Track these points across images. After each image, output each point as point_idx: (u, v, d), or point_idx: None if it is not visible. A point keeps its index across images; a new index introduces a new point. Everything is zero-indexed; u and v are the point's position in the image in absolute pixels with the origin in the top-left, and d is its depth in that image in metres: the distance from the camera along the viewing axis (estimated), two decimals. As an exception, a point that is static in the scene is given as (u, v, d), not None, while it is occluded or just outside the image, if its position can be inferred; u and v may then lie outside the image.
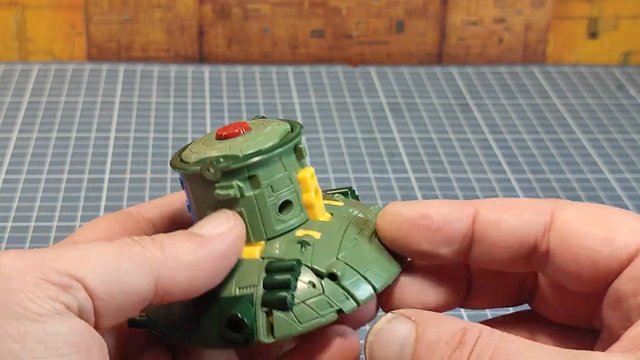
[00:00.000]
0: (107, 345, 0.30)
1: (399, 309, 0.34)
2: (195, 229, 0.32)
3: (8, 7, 0.89)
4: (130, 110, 0.82)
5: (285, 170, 0.33)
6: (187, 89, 0.86)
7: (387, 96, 0.87)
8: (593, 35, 0.95)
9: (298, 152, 0.34)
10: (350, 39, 0.93)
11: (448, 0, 0.92)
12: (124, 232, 0.35)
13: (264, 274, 0.32)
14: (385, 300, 0.34)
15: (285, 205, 0.34)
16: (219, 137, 0.34)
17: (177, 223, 0.37)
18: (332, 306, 0.31)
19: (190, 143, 0.36)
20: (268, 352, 0.35)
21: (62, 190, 0.69)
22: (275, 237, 0.33)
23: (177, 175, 0.36)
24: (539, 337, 0.35)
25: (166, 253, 0.30)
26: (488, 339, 0.28)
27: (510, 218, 0.32)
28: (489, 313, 0.54)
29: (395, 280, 0.33)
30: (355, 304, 0.32)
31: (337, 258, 0.32)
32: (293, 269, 0.31)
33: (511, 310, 0.37)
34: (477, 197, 0.71)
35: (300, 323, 0.31)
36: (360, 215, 0.35)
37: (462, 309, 0.53)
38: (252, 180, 0.33)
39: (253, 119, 0.37)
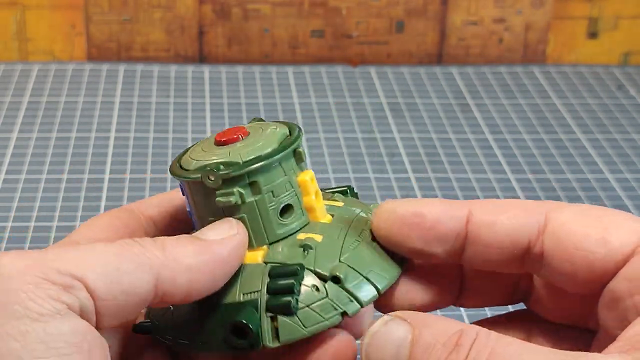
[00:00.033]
0: (109, 346, 0.30)
1: (389, 307, 0.34)
2: (198, 234, 0.32)
3: (8, 7, 0.89)
4: (130, 110, 0.82)
5: (285, 175, 0.33)
6: (187, 89, 0.86)
7: (387, 96, 0.87)
8: (593, 35, 0.95)
9: (297, 156, 0.34)
10: (350, 39, 0.93)
11: (448, 0, 0.92)
12: (125, 229, 0.35)
13: (267, 279, 0.32)
14: (377, 303, 0.34)
15: (286, 209, 0.34)
16: (218, 143, 0.34)
17: (178, 220, 0.37)
18: (336, 309, 0.31)
19: (189, 148, 0.36)
20: (264, 354, 0.35)
21: (62, 190, 0.70)
22: (277, 242, 0.33)
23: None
24: (535, 336, 0.35)
25: (167, 254, 0.30)
26: (484, 341, 0.28)
27: (504, 219, 0.32)
28: (489, 312, 0.54)
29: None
30: (359, 305, 0.32)
31: (339, 261, 0.32)
32: (296, 274, 0.31)
33: (511, 308, 0.37)
34: (477, 197, 0.71)
35: (305, 327, 0.31)
36: (362, 214, 0.35)
37: (462, 308, 0.53)
38: (253, 186, 0.33)
39: (250, 122, 0.37)
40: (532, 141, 0.80)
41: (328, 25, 0.92)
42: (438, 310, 0.36)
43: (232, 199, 0.32)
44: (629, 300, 0.30)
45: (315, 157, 0.75)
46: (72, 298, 0.28)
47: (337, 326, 0.32)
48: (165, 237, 0.31)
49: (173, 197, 0.37)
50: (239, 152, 0.33)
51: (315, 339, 0.32)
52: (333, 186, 0.39)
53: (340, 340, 0.32)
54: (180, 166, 0.34)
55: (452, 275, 0.35)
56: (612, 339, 0.29)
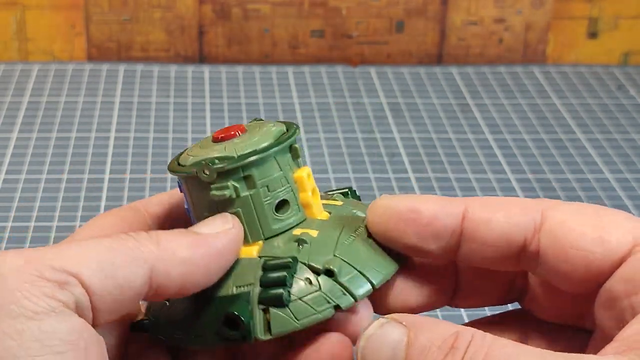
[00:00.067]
0: (107, 344, 0.30)
1: (383, 307, 0.34)
2: (193, 228, 0.32)
3: (8, 7, 0.89)
4: (130, 110, 0.82)
5: (281, 170, 0.34)
6: (187, 89, 0.86)
7: (387, 96, 0.87)
8: (593, 35, 0.95)
9: (293, 152, 0.34)
10: (350, 39, 0.93)
11: (448, 0, 0.92)
12: (129, 228, 0.35)
13: (260, 272, 0.32)
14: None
15: (282, 205, 0.34)
16: (216, 140, 0.34)
17: (182, 218, 0.37)
18: (329, 302, 0.31)
19: (188, 147, 0.36)
20: (259, 355, 0.35)
21: (62, 190, 0.70)
22: (273, 237, 0.33)
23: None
24: (531, 336, 0.35)
25: (162, 247, 0.30)
26: (480, 343, 0.28)
27: (500, 217, 0.32)
28: (488, 312, 0.54)
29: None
30: (352, 299, 0.32)
31: (334, 255, 0.32)
32: (289, 266, 0.32)
33: (510, 307, 0.37)
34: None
35: (297, 319, 0.31)
36: (359, 213, 0.35)
37: (462, 308, 0.53)
38: (248, 180, 0.33)
39: (250, 122, 0.37)
40: (532, 141, 0.80)
41: (328, 25, 0.92)
42: (437, 310, 0.36)
43: (227, 192, 0.33)
44: (625, 301, 0.30)
45: (315, 157, 0.75)
46: (68, 295, 0.28)
47: (335, 329, 0.32)
48: (160, 231, 0.31)
49: (177, 195, 0.37)
50: (235, 147, 0.33)
51: (311, 342, 0.32)
52: (333, 186, 0.39)
53: (336, 342, 0.32)
54: (179, 164, 0.34)
55: (446, 276, 0.35)
56: (608, 339, 0.29)
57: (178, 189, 0.36)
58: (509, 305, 0.37)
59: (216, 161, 0.33)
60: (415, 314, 0.33)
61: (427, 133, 0.80)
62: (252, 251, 0.33)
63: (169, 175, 0.72)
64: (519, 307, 0.36)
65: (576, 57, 0.96)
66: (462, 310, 0.56)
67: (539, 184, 0.73)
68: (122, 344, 0.34)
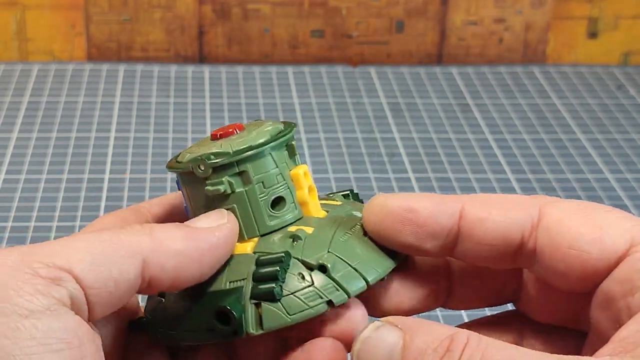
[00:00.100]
0: (104, 338, 0.30)
1: (377, 310, 0.34)
2: (188, 222, 0.32)
3: (8, 7, 0.89)
4: (130, 110, 0.82)
5: (277, 167, 0.34)
6: (187, 89, 0.86)
7: (387, 96, 0.87)
8: (593, 35, 0.95)
9: (290, 150, 0.34)
10: (350, 39, 0.93)
11: (448, 0, 0.92)
12: None
13: (254, 268, 0.32)
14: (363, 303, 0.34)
15: (278, 202, 0.34)
16: (214, 138, 0.35)
17: (184, 220, 0.37)
18: (321, 297, 0.31)
19: (188, 147, 0.36)
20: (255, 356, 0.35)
21: (62, 190, 0.70)
22: (268, 233, 0.33)
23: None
24: (527, 337, 0.35)
25: (154, 239, 0.30)
26: (476, 345, 0.28)
27: (496, 215, 0.32)
28: (488, 312, 0.54)
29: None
30: (345, 295, 0.31)
31: (328, 251, 0.32)
32: (281, 261, 0.31)
33: (509, 306, 0.37)
34: (477, 197, 0.71)
35: (289, 314, 0.31)
36: (357, 213, 0.35)
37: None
38: (243, 176, 0.33)
39: (250, 122, 0.37)
40: (532, 141, 0.80)
41: (328, 25, 0.92)
42: (438, 310, 0.36)
43: (221, 187, 0.33)
44: (622, 302, 0.30)
45: (315, 157, 0.75)
46: (62, 291, 0.28)
47: (329, 332, 0.32)
48: (155, 224, 0.31)
49: (180, 197, 0.37)
50: (230, 144, 0.33)
51: (304, 347, 0.32)
52: (333, 186, 0.39)
53: (330, 347, 0.32)
54: (177, 162, 0.35)
55: (439, 278, 0.35)
56: (604, 340, 0.29)
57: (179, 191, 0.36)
58: (508, 305, 0.37)
59: (212, 157, 0.33)
60: (408, 316, 0.33)
61: (427, 133, 0.80)
62: (247, 247, 0.33)
63: (169, 175, 0.72)
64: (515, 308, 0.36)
65: (576, 57, 0.96)
66: (462, 310, 0.56)
67: (539, 184, 0.73)
68: (119, 338, 0.34)
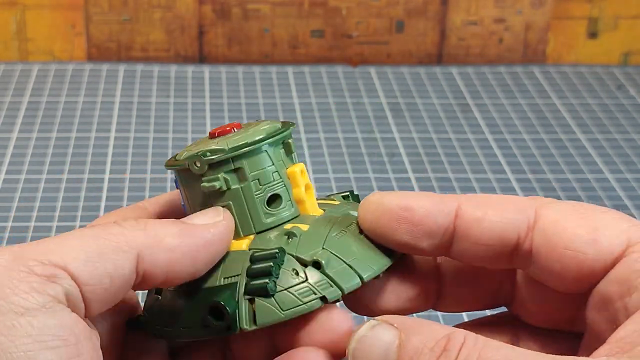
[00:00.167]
0: (101, 334, 0.30)
1: (366, 311, 0.34)
2: (183, 219, 0.32)
3: (8, 7, 0.89)
4: (130, 110, 0.82)
5: (273, 164, 0.34)
6: (187, 89, 0.86)
7: (387, 96, 0.87)
8: (593, 35, 0.95)
9: (286, 148, 0.34)
10: (350, 39, 0.93)
11: (448, 0, 0.92)
12: None
13: (248, 264, 0.32)
14: (351, 303, 0.34)
15: (274, 199, 0.34)
16: (212, 136, 0.35)
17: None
18: (315, 293, 0.31)
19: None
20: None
21: (62, 190, 0.70)
22: (264, 231, 0.33)
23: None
24: (522, 338, 0.34)
25: (148, 234, 0.30)
26: (472, 345, 0.27)
27: (493, 215, 0.32)
28: (488, 312, 0.54)
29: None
30: (339, 292, 0.31)
31: (322, 248, 0.32)
32: (275, 257, 0.32)
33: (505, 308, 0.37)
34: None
35: (283, 310, 0.31)
36: (354, 213, 0.35)
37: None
38: (238, 172, 0.33)
39: (248, 122, 0.37)
40: (532, 141, 0.80)
41: (328, 25, 0.92)
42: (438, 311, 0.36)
43: (217, 184, 0.33)
44: (619, 302, 0.30)
45: (315, 157, 0.75)
46: (57, 288, 0.28)
47: (314, 339, 0.32)
48: (150, 219, 0.31)
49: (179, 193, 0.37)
50: (227, 141, 0.33)
51: (286, 357, 0.32)
52: (333, 186, 0.39)
53: (313, 357, 0.32)
54: (175, 160, 0.35)
55: (429, 281, 0.35)
56: (600, 340, 0.29)
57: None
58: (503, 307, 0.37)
59: (208, 153, 0.33)
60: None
61: (427, 133, 0.80)
62: (242, 244, 0.33)
63: (169, 175, 0.72)
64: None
65: (576, 57, 0.96)
66: (454, 312, 0.56)
67: (539, 184, 0.73)
68: (117, 336, 0.34)
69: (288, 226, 0.33)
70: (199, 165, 0.33)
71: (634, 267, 0.30)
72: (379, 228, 0.33)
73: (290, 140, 0.35)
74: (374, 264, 0.33)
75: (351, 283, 0.32)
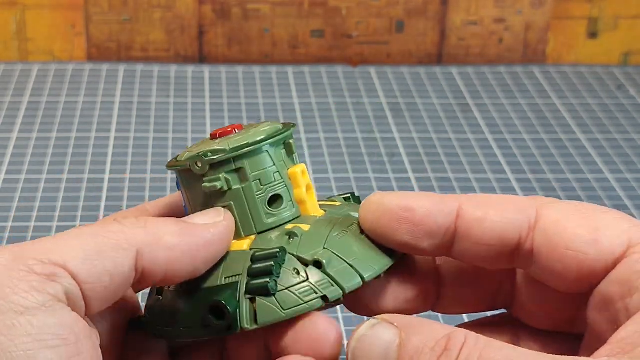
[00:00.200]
0: (101, 333, 0.30)
1: (361, 312, 0.34)
2: (184, 219, 0.32)
3: (8, 7, 0.89)
4: (130, 110, 0.82)
5: (274, 164, 0.34)
6: (187, 89, 0.86)
7: (387, 96, 0.87)
8: (593, 35, 0.95)
9: (287, 148, 0.35)
10: (350, 39, 0.93)
11: (448, 0, 0.92)
12: None
13: (249, 263, 0.32)
14: (351, 303, 0.34)
15: (275, 199, 0.34)
16: (213, 137, 0.35)
17: None
18: (316, 293, 0.31)
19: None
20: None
21: (62, 190, 0.70)
22: (266, 231, 0.34)
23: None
24: (523, 339, 0.34)
25: (148, 232, 0.30)
26: (473, 345, 0.27)
27: (494, 216, 0.32)
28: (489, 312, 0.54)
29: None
30: (340, 291, 0.31)
31: (323, 247, 0.32)
32: (276, 256, 0.32)
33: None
34: (477, 197, 0.71)
35: (284, 309, 0.31)
36: (355, 214, 0.35)
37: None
38: (240, 172, 0.33)
39: (250, 123, 0.37)
40: (532, 141, 0.80)
41: (328, 25, 0.92)
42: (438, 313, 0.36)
43: (218, 184, 0.33)
44: (620, 303, 0.30)
45: (315, 157, 0.75)
46: (57, 287, 0.28)
47: (306, 349, 0.32)
48: (150, 217, 0.32)
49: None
50: (228, 141, 0.34)
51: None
52: (333, 186, 0.39)
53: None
54: (176, 161, 0.35)
55: (428, 280, 0.35)
56: (601, 341, 0.29)
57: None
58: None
59: (209, 154, 0.33)
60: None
61: (427, 133, 0.80)
62: (244, 244, 0.33)
63: (169, 176, 0.72)
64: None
65: (576, 57, 0.96)
66: (454, 314, 0.56)
67: (539, 184, 0.73)
68: (117, 335, 0.34)
69: (289, 226, 0.34)
70: (200, 166, 0.33)
71: (635, 267, 0.30)
72: (379, 228, 0.33)
73: (291, 141, 0.35)
74: (375, 263, 0.33)
75: (352, 282, 0.32)
